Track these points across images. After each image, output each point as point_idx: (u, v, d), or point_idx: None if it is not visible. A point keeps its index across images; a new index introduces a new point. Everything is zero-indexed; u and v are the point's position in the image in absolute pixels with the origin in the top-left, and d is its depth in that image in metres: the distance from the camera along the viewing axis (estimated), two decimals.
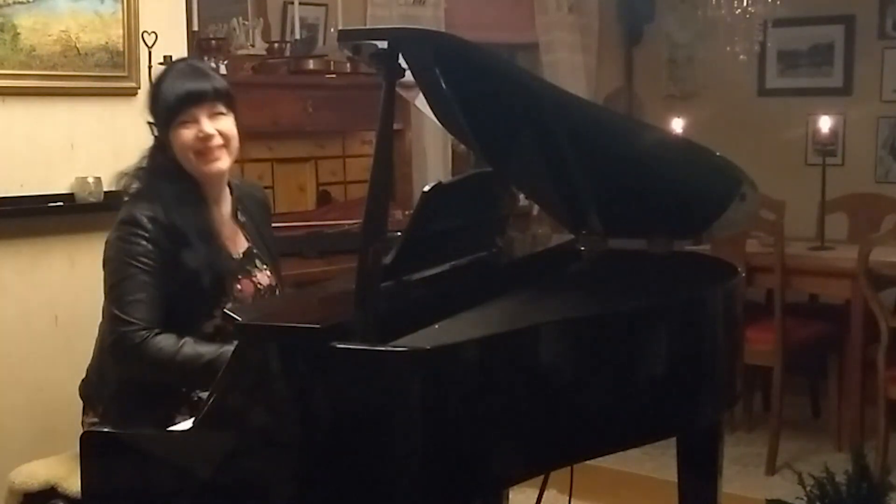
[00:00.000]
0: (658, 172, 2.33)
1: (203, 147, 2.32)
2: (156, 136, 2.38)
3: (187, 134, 2.31)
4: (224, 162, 2.36)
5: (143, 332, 2.21)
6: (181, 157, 2.33)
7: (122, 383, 2.31)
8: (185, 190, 2.33)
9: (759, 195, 2.42)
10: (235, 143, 2.38)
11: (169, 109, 2.31)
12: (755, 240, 4.24)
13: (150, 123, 2.39)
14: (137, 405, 2.31)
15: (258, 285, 2.43)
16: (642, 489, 3.88)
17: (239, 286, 2.39)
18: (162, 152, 2.36)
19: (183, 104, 2.30)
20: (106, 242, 2.35)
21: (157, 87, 2.37)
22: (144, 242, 2.25)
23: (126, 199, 2.37)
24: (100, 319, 2.42)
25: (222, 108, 2.36)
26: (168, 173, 2.33)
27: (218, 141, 2.33)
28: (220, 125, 2.34)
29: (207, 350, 2.20)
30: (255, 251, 2.47)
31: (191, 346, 2.21)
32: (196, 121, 2.31)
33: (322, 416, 1.76)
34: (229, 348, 2.17)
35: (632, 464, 3.85)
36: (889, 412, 3.82)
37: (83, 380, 2.46)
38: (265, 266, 2.47)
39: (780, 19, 5.05)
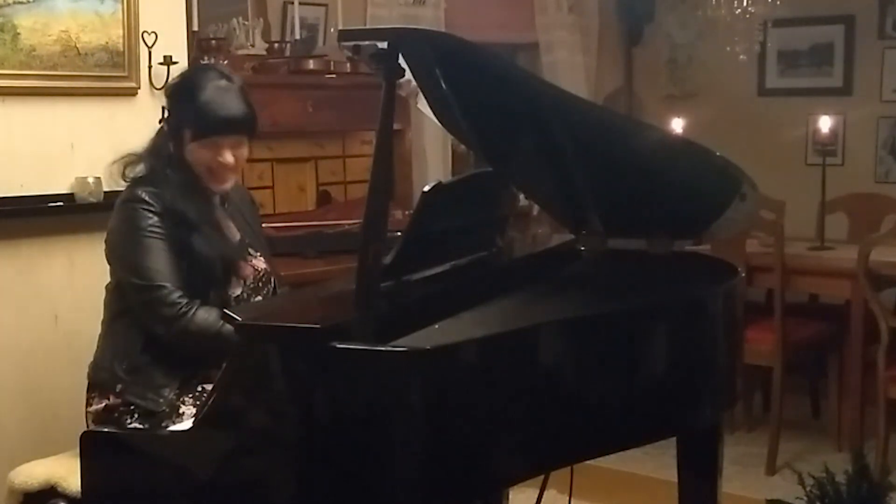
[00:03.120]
0: (658, 172, 2.33)
1: (217, 170, 2.39)
2: (171, 126, 2.40)
3: (205, 154, 2.37)
4: (230, 182, 2.45)
5: (185, 298, 2.27)
6: (192, 165, 2.39)
7: (140, 356, 2.34)
8: (190, 181, 2.38)
9: (759, 195, 2.42)
10: (244, 163, 2.47)
11: (200, 127, 2.35)
12: (755, 240, 4.24)
13: (168, 112, 2.42)
14: (154, 376, 2.34)
15: (256, 268, 2.49)
16: (642, 489, 3.88)
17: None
18: (172, 140, 2.39)
19: (218, 131, 2.35)
20: (108, 231, 2.39)
21: (192, 90, 2.37)
22: (151, 215, 2.31)
23: (128, 181, 2.41)
24: (101, 312, 2.44)
25: (245, 139, 2.42)
26: (174, 162, 2.38)
27: (231, 168, 2.40)
28: (238, 153, 2.41)
29: None
30: (247, 241, 2.53)
31: None
32: (217, 146, 2.37)
33: (322, 415, 1.76)
34: None
35: (632, 464, 3.84)
36: (889, 412, 3.82)
37: (91, 368, 2.45)
38: (258, 253, 2.54)
39: (780, 19, 5.06)
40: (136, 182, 2.39)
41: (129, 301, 2.36)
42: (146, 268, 2.29)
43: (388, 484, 1.75)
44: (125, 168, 2.43)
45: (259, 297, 2.48)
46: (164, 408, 2.31)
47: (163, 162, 2.38)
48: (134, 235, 2.31)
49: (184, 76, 2.52)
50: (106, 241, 2.41)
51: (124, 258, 2.35)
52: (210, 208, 2.44)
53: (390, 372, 1.74)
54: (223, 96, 2.37)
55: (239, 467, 1.83)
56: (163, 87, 2.54)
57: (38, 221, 3.03)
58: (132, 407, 2.34)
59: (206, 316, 2.28)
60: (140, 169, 2.41)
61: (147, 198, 2.31)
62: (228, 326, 2.18)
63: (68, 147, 3.10)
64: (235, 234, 2.52)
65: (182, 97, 2.40)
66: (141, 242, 2.30)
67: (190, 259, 2.32)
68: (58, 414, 2.95)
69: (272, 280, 2.54)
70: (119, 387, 2.35)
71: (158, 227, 2.30)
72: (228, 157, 2.38)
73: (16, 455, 2.69)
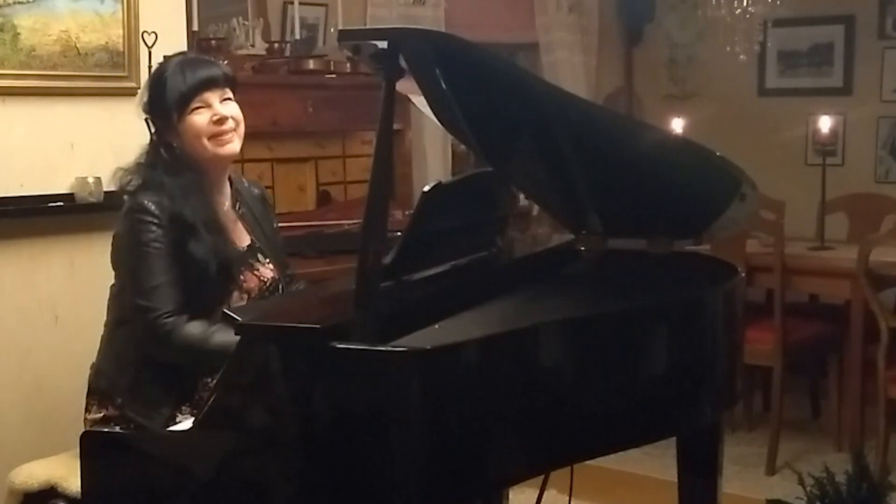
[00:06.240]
0: (658, 172, 2.33)
1: (218, 130, 2.36)
2: (156, 131, 2.39)
3: (201, 119, 2.35)
4: (236, 144, 2.41)
5: (172, 318, 2.24)
6: (194, 143, 2.35)
7: (140, 371, 2.32)
8: (189, 182, 2.35)
9: (759, 195, 2.43)
10: (242, 126, 2.42)
11: (182, 97, 2.33)
12: (755, 240, 4.24)
13: (148, 119, 2.40)
14: (153, 394, 2.32)
15: (262, 278, 2.45)
16: (642, 489, 3.88)
17: (243, 277, 2.41)
18: (163, 147, 2.37)
19: (197, 90, 2.34)
20: (114, 236, 2.37)
21: (160, 80, 2.37)
22: (154, 227, 2.28)
23: (127, 194, 2.36)
24: (104, 313, 2.43)
25: (230, 94, 2.40)
26: (169, 167, 2.35)
27: (231, 124, 2.38)
28: (230, 109, 2.39)
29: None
30: (257, 245, 2.49)
31: (222, 334, 2.21)
32: (209, 105, 2.35)
33: (322, 416, 1.76)
34: None
35: (632, 464, 3.84)
36: (889, 412, 3.82)
37: (93, 373, 2.44)
38: (267, 260, 2.49)
39: (780, 19, 5.06)
40: (136, 191, 2.34)
41: (129, 313, 2.34)
42: (145, 286, 2.26)
43: (389, 484, 1.75)
44: (122, 184, 2.38)
45: None
46: (160, 422, 2.29)
47: (158, 171, 2.34)
48: (136, 249, 2.28)
49: (150, 77, 2.51)
50: (112, 245, 2.39)
51: (126, 271, 2.33)
52: (213, 209, 2.39)
53: (390, 372, 1.74)
54: (189, 63, 2.39)
55: (239, 467, 1.83)
56: None
57: (38, 221, 3.04)
58: (129, 419, 2.32)
59: (192, 332, 2.24)
60: (136, 180, 2.36)
61: (151, 207, 2.28)
62: (218, 338, 2.20)
63: (68, 147, 3.10)
64: (244, 240, 2.47)
65: (155, 89, 2.38)
66: (142, 258, 2.27)
67: (185, 262, 2.28)
68: (58, 414, 2.95)
69: (280, 289, 2.49)
70: (119, 400, 2.35)
71: (161, 240, 2.27)
72: (222, 109, 2.36)
73: (16, 455, 2.69)
